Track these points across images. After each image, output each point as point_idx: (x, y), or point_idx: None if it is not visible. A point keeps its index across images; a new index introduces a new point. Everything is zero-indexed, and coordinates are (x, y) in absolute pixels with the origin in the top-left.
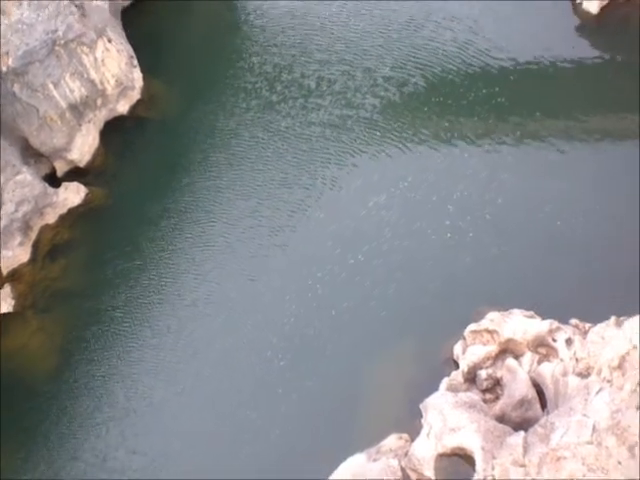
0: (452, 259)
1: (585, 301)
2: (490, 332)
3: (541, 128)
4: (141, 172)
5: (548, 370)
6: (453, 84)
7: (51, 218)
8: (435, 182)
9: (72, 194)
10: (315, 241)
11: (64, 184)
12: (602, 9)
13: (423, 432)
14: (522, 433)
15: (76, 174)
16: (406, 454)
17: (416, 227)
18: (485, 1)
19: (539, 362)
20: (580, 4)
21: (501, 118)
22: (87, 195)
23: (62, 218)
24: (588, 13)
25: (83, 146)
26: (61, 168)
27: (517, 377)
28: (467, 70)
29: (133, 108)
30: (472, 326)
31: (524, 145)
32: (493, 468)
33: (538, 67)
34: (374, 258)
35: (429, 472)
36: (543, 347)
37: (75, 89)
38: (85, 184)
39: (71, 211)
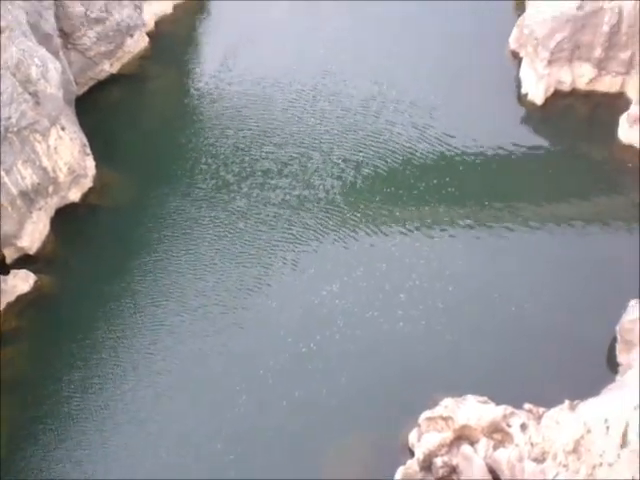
0: (405, 347)
1: (538, 385)
2: (445, 419)
3: (490, 216)
4: (93, 258)
5: (504, 456)
6: (405, 174)
7: None
8: (387, 271)
9: (21, 281)
10: (267, 330)
11: (13, 271)
12: (547, 100)
13: None
14: None
15: (26, 261)
16: None
17: (369, 316)
18: (442, 89)
19: (495, 448)
20: (526, 95)
21: (451, 207)
22: (36, 282)
23: (10, 306)
24: (533, 104)
25: (33, 233)
26: (10, 255)
27: (473, 464)
28: (418, 160)
29: (85, 196)
30: (427, 413)
31: (474, 233)
32: None
33: (486, 157)
34: (326, 347)
35: None
36: (498, 433)
37: (27, 176)
38: (35, 271)
39: (20, 299)
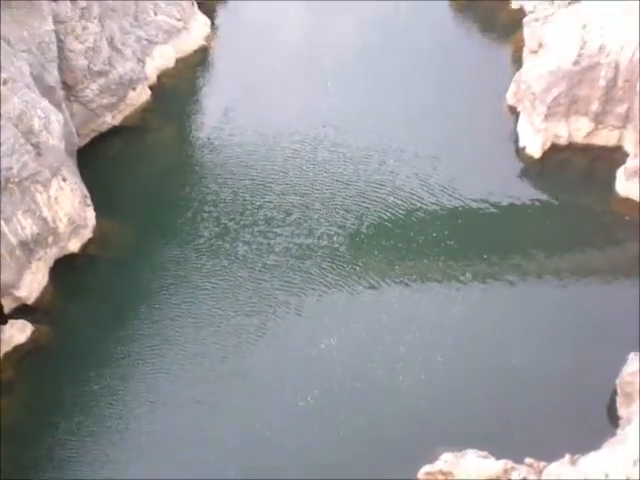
0: (404, 401)
1: (539, 439)
2: (444, 474)
3: (489, 268)
4: (91, 309)
5: None
6: (405, 227)
7: None
8: (387, 323)
9: (18, 332)
10: (265, 382)
11: (10, 321)
12: (544, 153)
13: None
14: None
15: (23, 311)
16: None
17: (368, 369)
18: (442, 143)
19: None
20: (524, 149)
21: (450, 260)
22: (33, 333)
23: (7, 355)
24: (531, 157)
25: (32, 283)
26: (8, 305)
27: None
28: (418, 213)
29: (85, 246)
30: (426, 467)
31: (473, 285)
32: None
33: (485, 210)
34: (325, 401)
35: None
36: None
37: (27, 226)
38: (32, 322)
39: (17, 349)
